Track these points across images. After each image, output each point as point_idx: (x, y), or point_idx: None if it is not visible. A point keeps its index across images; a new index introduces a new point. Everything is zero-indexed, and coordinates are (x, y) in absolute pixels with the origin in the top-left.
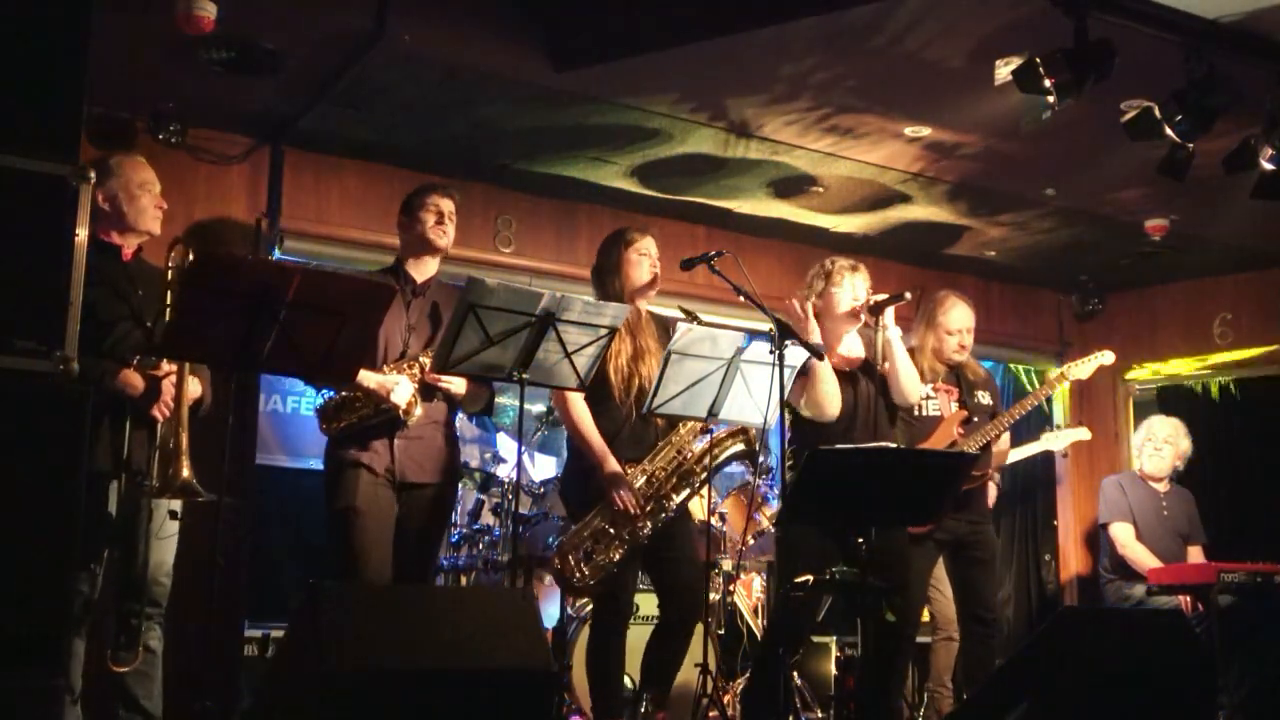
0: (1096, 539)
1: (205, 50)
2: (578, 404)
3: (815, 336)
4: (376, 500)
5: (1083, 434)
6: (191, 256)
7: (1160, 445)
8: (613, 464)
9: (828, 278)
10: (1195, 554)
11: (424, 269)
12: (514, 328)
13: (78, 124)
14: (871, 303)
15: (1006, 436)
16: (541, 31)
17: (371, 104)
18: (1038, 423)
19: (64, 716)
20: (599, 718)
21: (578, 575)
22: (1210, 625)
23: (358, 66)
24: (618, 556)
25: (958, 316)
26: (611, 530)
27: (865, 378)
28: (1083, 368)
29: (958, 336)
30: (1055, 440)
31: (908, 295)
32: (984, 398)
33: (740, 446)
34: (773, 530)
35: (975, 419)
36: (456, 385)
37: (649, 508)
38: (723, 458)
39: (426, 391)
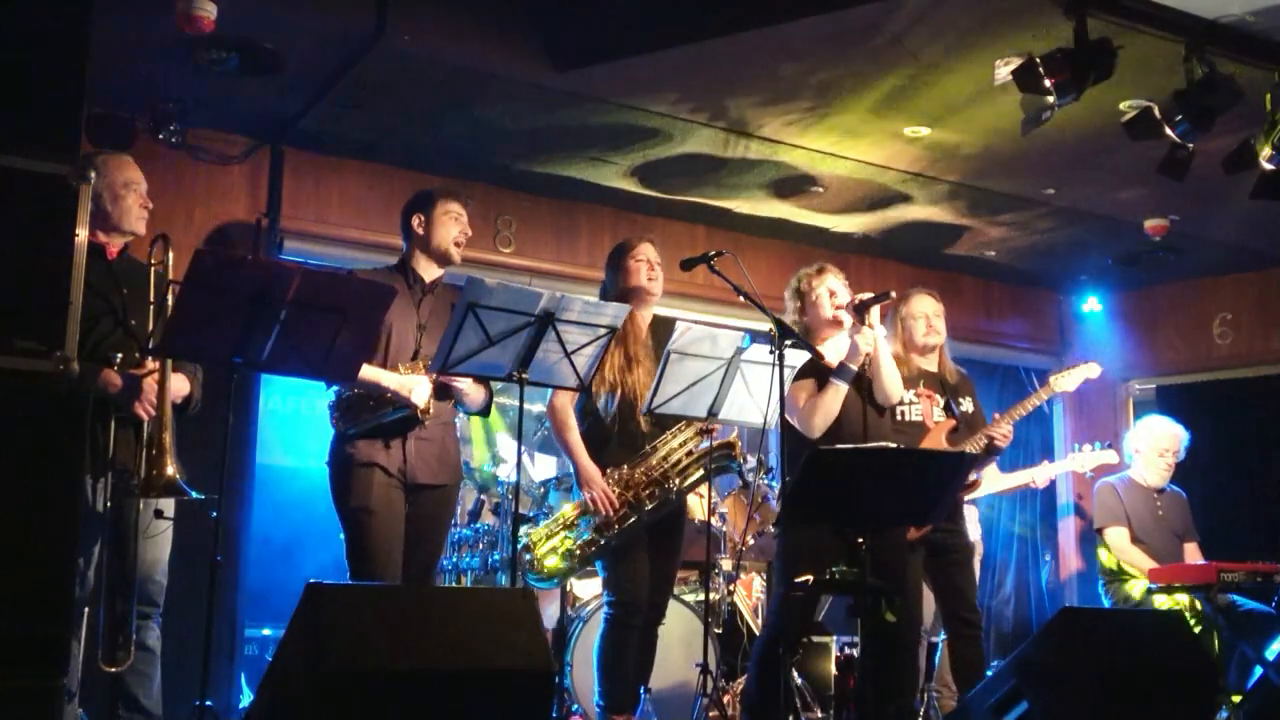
0: (1094, 540)
1: (205, 50)
2: (562, 408)
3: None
4: (389, 501)
5: (1110, 457)
6: (171, 254)
7: (1165, 453)
8: (588, 465)
9: (799, 293)
10: (1191, 551)
11: (433, 269)
12: (514, 328)
13: (78, 124)
14: (857, 301)
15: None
16: (541, 31)
17: (371, 104)
18: (1042, 441)
19: (64, 716)
20: (607, 712)
21: (536, 566)
22: (1210, 625)
23: (358, 66)
24: (579, 552)
25: (917, 302)
26: (582, 527)
27: (854, 390)
28: (1068, 379)
29: (922, 320)
30: (1082, 461)
31: (892, 294)
32: (966, 404)
33: (725, 461)
34: (772, 530)
35: (960, 429)
36: (468, 384)
37: (622, 511)
38: (695, 477)
39: (441, 391)
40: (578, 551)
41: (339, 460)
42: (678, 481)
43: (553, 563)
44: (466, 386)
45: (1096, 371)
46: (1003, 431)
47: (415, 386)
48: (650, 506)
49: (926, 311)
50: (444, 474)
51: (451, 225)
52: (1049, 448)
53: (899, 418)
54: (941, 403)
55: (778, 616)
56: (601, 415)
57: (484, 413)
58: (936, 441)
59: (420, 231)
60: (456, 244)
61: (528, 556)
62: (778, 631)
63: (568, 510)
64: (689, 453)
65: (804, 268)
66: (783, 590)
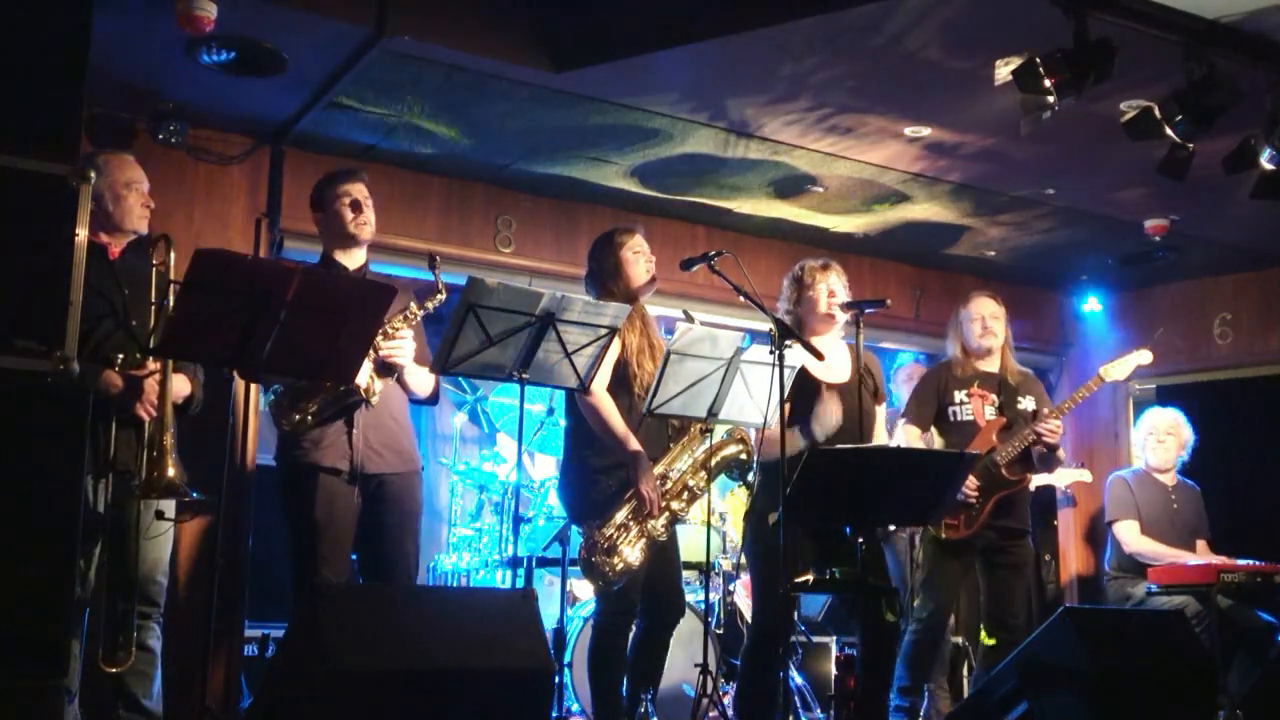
0: (1096, 538)
1: (205, 50)
2: (605, 399)
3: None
4: (336, 508)
5: (1084, 476)
6: (173, 254)
7: (1163, 437)
8: (644, 456)
9: (800, 283)
10: (1203, 548)
11: (354, 258)
12: (514, 328)
13: (78, 124)
14: (852, 300)
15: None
16: (541, 32)
17: (371, 104)
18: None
19: (64, 716)
20: (600, 719)
21: (608, 569)
22: (1210, 625)
23: (358, 66)
24: (638, 551)
25: (975, 305)
26: (633, 524)
27: (850, 394)
28: (1120, 368)
29: (978, 323)
30: (1057, 478)
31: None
32: (1027, 403)
33: (739, 447)
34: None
35: (1014, 426)
36: (403, 355)
37: (665, 504)
38: (717, 459)
39: (384, 369)
40: (634, 551)
41: (284, 463)
42: (700, 478)
43: (630, 556)
44: (401, 358)
45: (1149, 358)
46: (1050, 427)
47: None
48: (683, 502)
49: (983, 313)
50: (396, 462)
51: (344, 209)
52: None
53: (950, 419)
54: (996, 402)
55: (762, 618)
56: (636, 403)
57: (431, 401)
58: (987, 440)
59: (320, 225)
60: (354, 224)
61: (593, 559)
62: (764, 633)
63: (618, 511)
64: (707, 449)
65: (809, 259)
66: (765, 591)
